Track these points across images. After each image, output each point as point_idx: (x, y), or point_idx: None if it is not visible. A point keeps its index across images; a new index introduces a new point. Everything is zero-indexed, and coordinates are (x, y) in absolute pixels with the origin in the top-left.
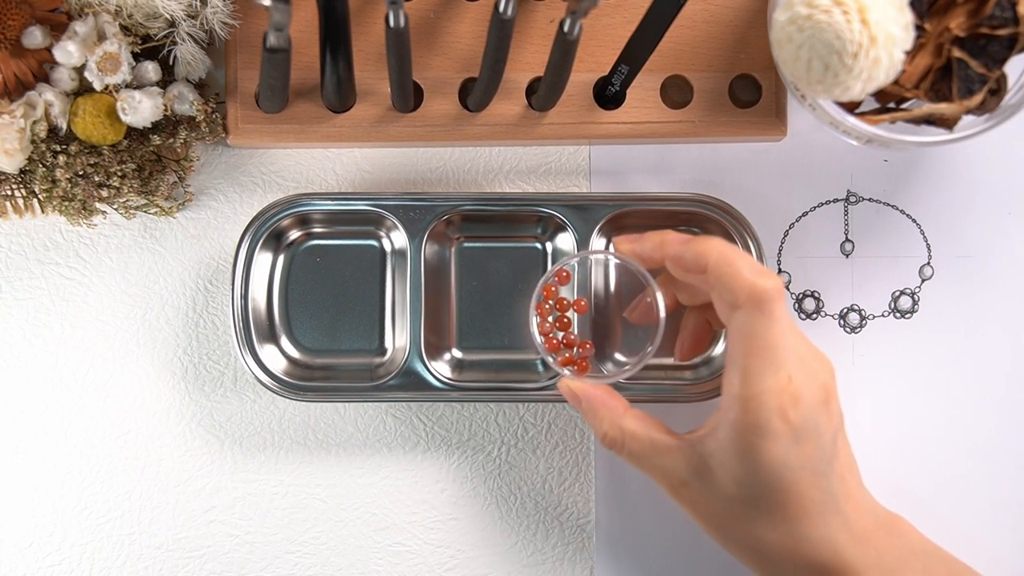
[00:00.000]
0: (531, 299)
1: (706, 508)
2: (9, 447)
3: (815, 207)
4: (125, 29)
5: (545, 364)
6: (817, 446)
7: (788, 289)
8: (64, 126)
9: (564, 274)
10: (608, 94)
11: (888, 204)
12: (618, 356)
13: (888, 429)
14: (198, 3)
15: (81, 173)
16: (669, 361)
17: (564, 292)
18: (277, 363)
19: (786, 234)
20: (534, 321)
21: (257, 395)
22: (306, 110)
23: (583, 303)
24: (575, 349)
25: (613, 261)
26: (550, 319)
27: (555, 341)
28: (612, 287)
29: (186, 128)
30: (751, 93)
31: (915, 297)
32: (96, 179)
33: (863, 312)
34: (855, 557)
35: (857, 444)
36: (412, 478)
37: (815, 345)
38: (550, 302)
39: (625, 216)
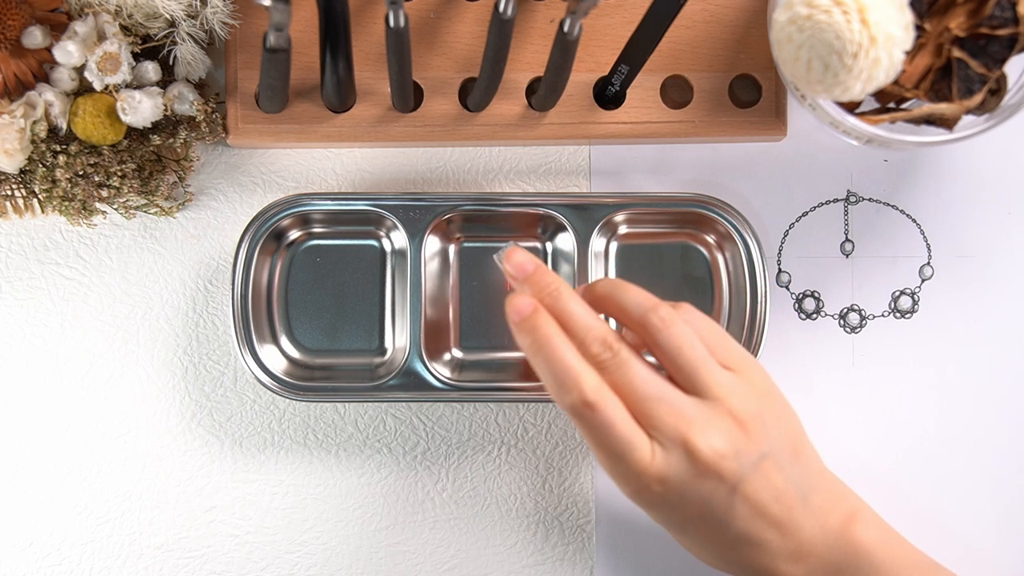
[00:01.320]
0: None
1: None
2: (9, 447)
3: (815, 207)
4: (125, 29)
5: None
6: (705, 504)
7: (788, 289)
8: (64, 126)
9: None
10: (608, 94)
11: (888, 204)
12: None
13: (888, 429)
14: (198, 3)
15: (81, 173)
16: None
17: None
18: (277, 363)
19: (786, 234)
20: None
21: (257, 395)
22: (306, 110)
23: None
24: None
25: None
26: None
27: None
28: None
29: (186, 128)
30: (751, 93)
31: (915, 297)
32: (96, 179)
33: (863, 312)
34: (787, 572)
35: (857, 444)
36: (412, 478)
37: (680, 402)
38: None
39: (625, 216)
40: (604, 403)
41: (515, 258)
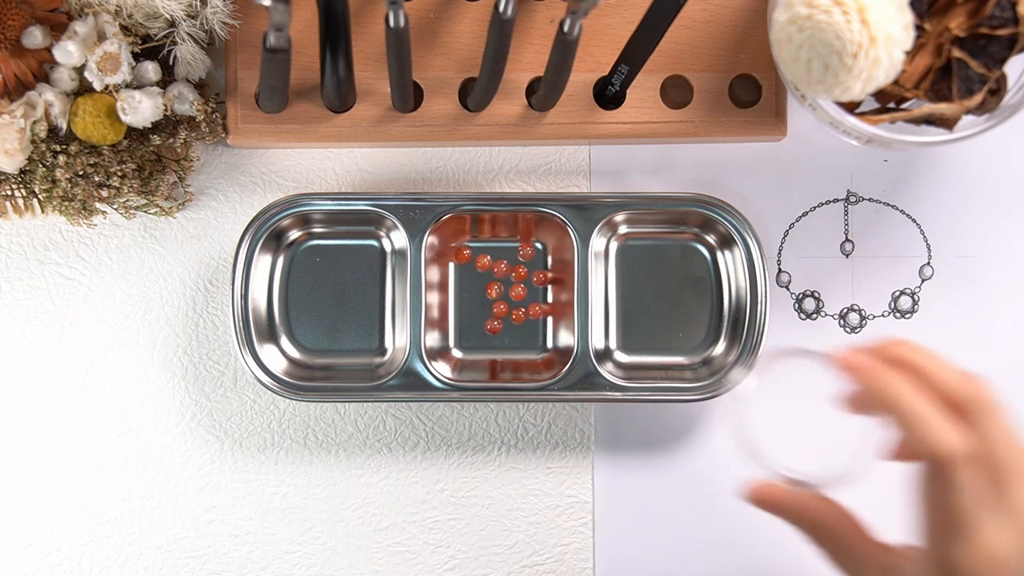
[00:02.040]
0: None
1: None
2: (9, 447)
3: (815, 207)
4: (125, 29)
5: (544, 364)
6: None
7: (788, 289)
8: (64, 126)
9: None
10: (608, 94)
11: (888, 204)
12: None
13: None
14: (198, 3)
15: (81, 173)
16: (669, 360)
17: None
18: (277, 363)
19: (786, 234)
20: None
21: (257, 395)
22: (306, 110)
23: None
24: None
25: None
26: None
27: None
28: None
29: (186, 128)
30: (751, 93)
31: (915, 297)
32: (96, 179)
33: (863, 312)
34: None
35: (857, 444)
36: (412, 478)
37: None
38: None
39: (625, 216)
40: (965, 465)
41: (853, 360)
